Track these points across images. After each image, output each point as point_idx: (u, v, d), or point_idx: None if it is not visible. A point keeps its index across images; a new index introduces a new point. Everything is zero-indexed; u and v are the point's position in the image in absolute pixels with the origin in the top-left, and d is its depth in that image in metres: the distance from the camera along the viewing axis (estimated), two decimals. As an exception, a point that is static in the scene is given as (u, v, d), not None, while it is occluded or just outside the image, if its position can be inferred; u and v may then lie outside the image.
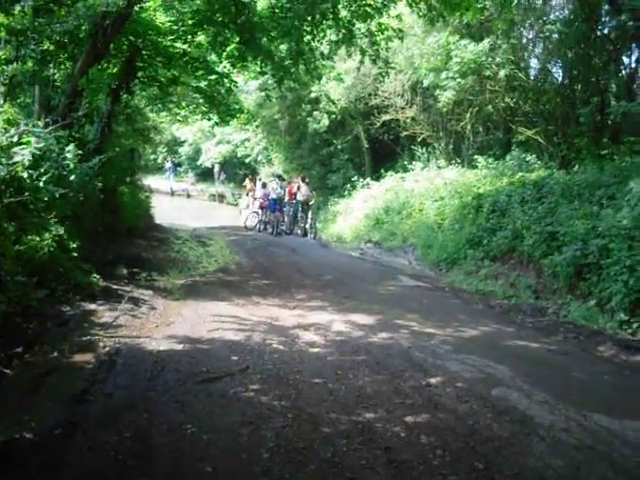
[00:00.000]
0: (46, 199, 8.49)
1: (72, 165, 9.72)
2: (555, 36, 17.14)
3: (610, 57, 15.55)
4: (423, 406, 5.44)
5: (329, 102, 24.36)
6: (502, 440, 4.76)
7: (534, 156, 17.07)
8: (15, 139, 8.12)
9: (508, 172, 16.07)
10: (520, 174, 14.90)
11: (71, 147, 9.92)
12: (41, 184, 8.43)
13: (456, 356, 7.14)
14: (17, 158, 7.88)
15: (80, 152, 10.23)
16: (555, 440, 4.82)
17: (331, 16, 13.94)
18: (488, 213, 13.92)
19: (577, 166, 14.11)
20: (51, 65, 12.18)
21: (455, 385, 6.04)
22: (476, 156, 18.76)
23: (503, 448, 4.62)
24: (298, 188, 22.85)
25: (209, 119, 20.24)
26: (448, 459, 4.39)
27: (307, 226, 22.45)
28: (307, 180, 23.41)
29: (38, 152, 8.29)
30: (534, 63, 18.89)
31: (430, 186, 19.10)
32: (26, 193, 8.18)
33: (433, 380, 6.17)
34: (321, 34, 14.87)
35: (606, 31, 15.88)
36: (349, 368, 6.48)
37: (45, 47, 11.44)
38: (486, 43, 17.05)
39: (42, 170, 8.55)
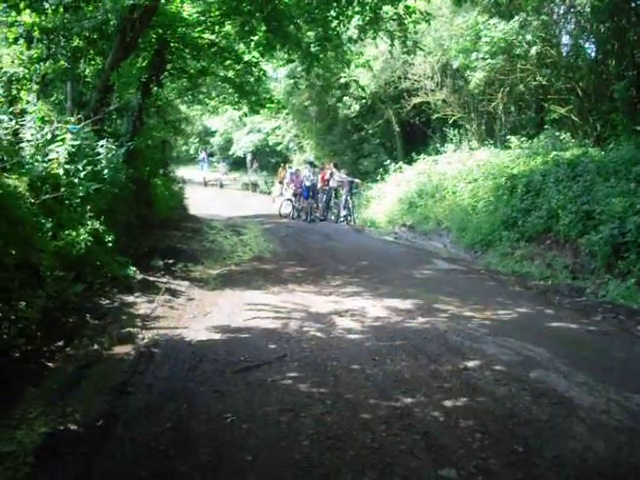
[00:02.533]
0: (81, 194, 8.62)
1: (105, 160, 9.85)
2: (587, 10, 16.83)
3: (645, 30, 15.22)
4: (461, 390, 5.42)
5: (358, 88, 24.32)
6: (541, 423, 4.73)
7: (568, 134, 16.83)
8: (49, 137, 8.25)
9: (542, 151, 15.85)
10: (554, 153, 14.69)
11: (104, 142, 10.05)
12: (77, 180, 8.55)
13: (493, 339, 7.09)
14: (52, 155, 8.01)
15: (113, 147, 10.36)
16: (595, 422, 4.77)
17: (357, 0, 13.86)
18: (522, 193, 13.77)
19: (612, 143, 13.89)
20: (82, 61, 12.32)
21: (493, 368, 6.00)
22: (509, 136, 18.57)
23: (542, 431, 4.59)
24: (331, 174, 22.88)
25: (239, 109, 20.29)
26: (487, 442, 4.37)
27: (344, 212, 22.43)
28: (338, 165, 23.43)
29: (73, 149, 8.41)
30: (566, 39, 18.65)
31: (463, 168, 18.94)
32: (62, 189, 8.32)
33: (471, 363, 6.15)
34: (348, 19, 14.80)
35: (640, 3, 15.56)
36: (386, 353, 6.48)
37: (75, 44, 11.58)
38: (516, 21, 16.81)
39: (78, 166, 8.67)
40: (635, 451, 4.34)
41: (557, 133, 16.99)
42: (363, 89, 23.04)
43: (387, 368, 5.99)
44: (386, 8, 14.38)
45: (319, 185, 23.11)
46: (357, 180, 23.59)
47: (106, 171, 9.85)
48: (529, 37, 16.91)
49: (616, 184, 11.30)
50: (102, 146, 10.05)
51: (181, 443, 4.39)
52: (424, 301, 9.18)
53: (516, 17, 16.91)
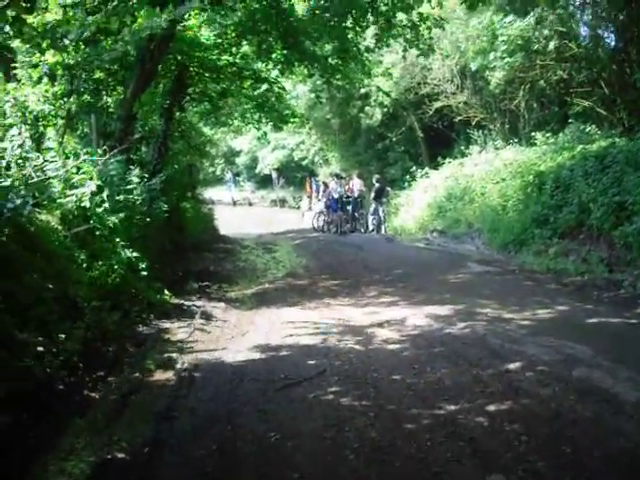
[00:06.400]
0: (111, 225, 8.74)
1: (138, 188, 10.00)
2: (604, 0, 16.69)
3: (664, 13, 15.02)
4: (504, 393, 5.37)
5: (382, 94, 24.36)
6: (588, 421, 4.67)
7: (593, 126, 16.64)
8: (74, 170, 8.38)
9: (568, 146, 15.69)
10: (580, 146, 14.52)
11: (136, 171, 10.22)
12: (100, 210, 8.68)
13: (533, 339, 7.03)
14: (81, 190, 8.13)
15: (145, 175, 10.51)
16: (644, 417, 4.70)
17: (370, 10, 13.94)
18: (552, 190, 13.61)
19: (640, 132, 13.71)
20: (104, 93, 12.51)
21: (534, 369, 5.95)
22: (533, 133, 18.41)
23: (590, 430, 4.53)
24: (353, 185, 23.13)
25: (259, 129, 20.44)
26: (534, 445, 4.32)
27: (372, 221, 22.52)
28: (363, 176, 23.75)
29: (101, 183, 8.54)
30: (584, 31, 18.47)
31: (490, 169, 18.84)
32: (91, 221, 8.44)
33: (512, 366, 6.09)
34: (363, 29, 14.90)
35: (658, -14, 15.37)
36: (426, 361, 6.45)
37: (97, 77, 11.76)
38: (532, 17, 16.73)
39: (103, 196, 8.79)
40: (686, 445, 4.26)
41: (582, 126, 16.79)
42: (387, 94, 23.12)
43: (428, 376, 5.96)
44: (401, 16, 14.45)
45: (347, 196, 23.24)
46: (388, 188, 23.67)
47: (140, 200, 10.00)
48: (546, 32, 16.82)
49: (646, 173, 11.14)
50: (135, 175, 10.22)
51: (228, 465, 4.40)
52: (461, 306, 9.12)
53: (531, 13, 16.82)
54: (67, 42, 8.04)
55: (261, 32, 14.53)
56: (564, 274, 11.29)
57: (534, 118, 20.40)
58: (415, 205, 22.71)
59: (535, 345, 6.78)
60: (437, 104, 23.10)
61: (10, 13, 5.46)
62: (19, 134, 8.09)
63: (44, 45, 7.14)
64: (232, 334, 8.37)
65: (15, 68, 10.11)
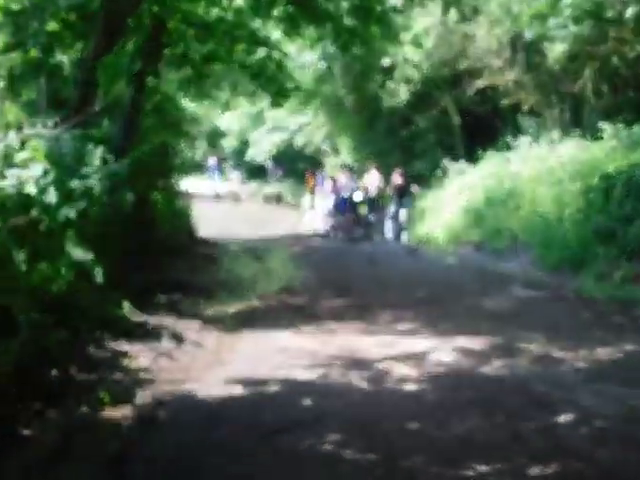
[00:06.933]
0: (63, 218, 8.70)
1: (98, 173, 9.94)
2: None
3: None
4: (549, 453, 5.33)
5: (410, 66, 24.32)
6: (656, 494, 4.66)
7: (680, 117, 16.64)
8: (17, 145, 8.35)
9: (645, 142, 15.69)
10: (661, 143, 14.54)
11: (97, 151, 10.17)
12: (48, 198, 8.63)
13: (590, 386, 7.00)
14: (25, 172, 8.11)
15: (108, 157, 10.46)
16: None
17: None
18: (621, 197, 13.59)
19: None
20: (58, 50, 12.48)
21: (591, 424, 5.92)
22: (601, 123, 18.36)
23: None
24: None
25: (252, 104, 20.43)
26: (584, 521, 4.31)
27: (391, 227, 22.54)
28: (380, 169, 23.81)
29: (50, 164, 8.50)
30: (673, -3, 18.42)
31: (542, 167, 18.79)
32: (34, 211, 8.40)
33: (561, 419, 6.06)
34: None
35: None
36: (452, 408, 6.43)
37: (49, 29, 11.74)
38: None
39: (47, 179, 8.75)
40: None
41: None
42: (416, 67, 23.10)
43: (453, 427, 5.93)
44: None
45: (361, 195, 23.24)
46: (412, 186, 23.64)
47: (99, 188, 9.94)
48: (624, -5, 16.79)
49: None
50: (95, 155, 10.18)
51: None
52: (499, 339, 9.12)
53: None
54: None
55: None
56: (633, 305, 11.26)
57: (603, 105, 20.36)
58: (446, 209, 22.68)
59: (592, 394, 6.75)
60: (479, 83, 23.08)
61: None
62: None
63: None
64: (208, 362, 8.37)
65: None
